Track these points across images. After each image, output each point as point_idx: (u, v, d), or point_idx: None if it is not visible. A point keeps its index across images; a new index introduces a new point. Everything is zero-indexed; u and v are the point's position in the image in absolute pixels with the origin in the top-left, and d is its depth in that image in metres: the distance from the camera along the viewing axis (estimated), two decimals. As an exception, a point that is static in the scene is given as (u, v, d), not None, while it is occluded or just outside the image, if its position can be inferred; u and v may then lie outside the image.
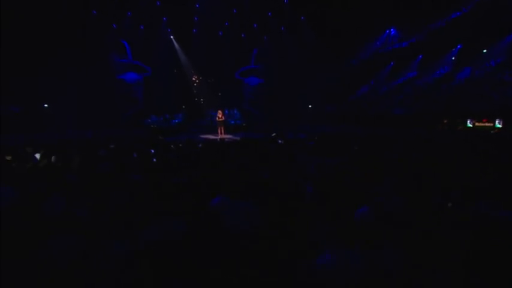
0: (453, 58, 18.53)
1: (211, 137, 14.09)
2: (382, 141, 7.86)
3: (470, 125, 15.10)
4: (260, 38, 20.62)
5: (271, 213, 2.34)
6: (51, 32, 14.95)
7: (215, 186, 2.99)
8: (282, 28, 20.29)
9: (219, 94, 20.36)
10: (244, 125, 18.68)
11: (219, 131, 14.38)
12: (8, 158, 5.08)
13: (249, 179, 3.22)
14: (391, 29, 20.51)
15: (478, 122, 14.78)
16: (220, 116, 14.03)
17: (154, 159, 5.50)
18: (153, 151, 7.16)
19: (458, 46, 17.89)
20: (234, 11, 19.30)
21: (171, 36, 19.80)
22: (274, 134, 13.26)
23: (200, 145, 8.20)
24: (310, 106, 21.53)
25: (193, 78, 20.24)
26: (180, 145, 9.21)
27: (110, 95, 18.16)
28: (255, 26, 20.15)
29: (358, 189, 2.94)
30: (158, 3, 18.31)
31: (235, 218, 2.20)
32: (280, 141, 9.36)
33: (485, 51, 16.99)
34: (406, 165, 3.93)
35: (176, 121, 18.98)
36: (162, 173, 3.93)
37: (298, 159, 5.41)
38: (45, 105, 16.89)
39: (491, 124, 14.34)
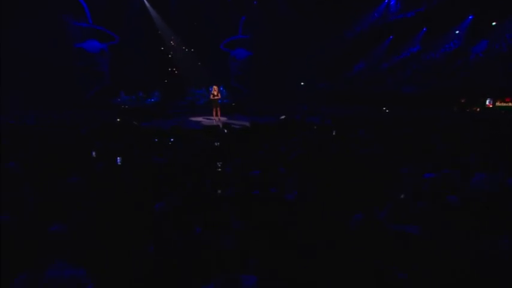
0: (457, 32, 17.01)
1: (204, 120, 11.41)
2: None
3: (490, 105, 13.74)
4: (249, 4, 17.72)
5: None
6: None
7: None
8: (276, -9, 17.51)
9: (201, 66, 17.34)
10: (233, 104, 16.08)
11: (214, 113, 11.57)
12: None
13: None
14: (391, -1, 18.54)
15: (500, 101, 13.42)
16: (215, 93, 11.19)
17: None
18: (119, 160, 4.54)
19: (470, 17, 16.27)
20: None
21: (142, -4, 16.20)
22: (283, 117, 11.07)
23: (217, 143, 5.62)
24: (302, 84, 19.43)
25: (171, 43, 16.91)
26: (172, 140, 6.56)
27: (66, 67, 14.64)
28: (244, -12, 17.27)
29: None
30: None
31: None
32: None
33: (494, 23, 15.59)
34: None
35: (152, 100, 15.94)
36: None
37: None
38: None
39: (516, 104, 13.02)
